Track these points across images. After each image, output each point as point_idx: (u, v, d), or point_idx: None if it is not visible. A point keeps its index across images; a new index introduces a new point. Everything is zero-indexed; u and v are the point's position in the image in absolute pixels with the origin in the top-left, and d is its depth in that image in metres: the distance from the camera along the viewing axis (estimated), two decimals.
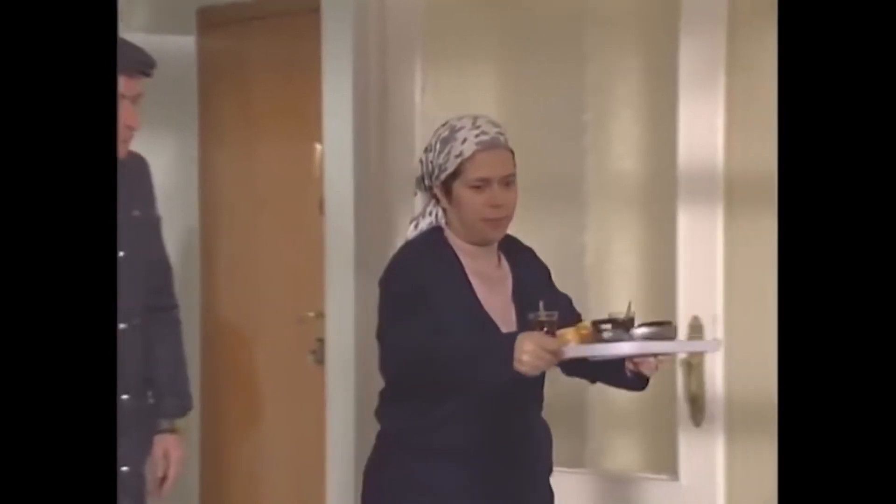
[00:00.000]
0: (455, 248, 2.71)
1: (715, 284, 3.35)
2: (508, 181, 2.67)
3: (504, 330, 2.71)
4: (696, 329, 3.29)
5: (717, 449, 3.38)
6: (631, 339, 2.53)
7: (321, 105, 4.11)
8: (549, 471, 2.85)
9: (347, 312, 3.80)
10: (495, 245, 2.75)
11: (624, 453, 3.57)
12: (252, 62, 4.63)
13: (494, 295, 2.75)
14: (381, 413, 2.72)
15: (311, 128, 4.27)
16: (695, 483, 3.35)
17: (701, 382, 3.35)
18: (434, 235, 2.73)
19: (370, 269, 3.73)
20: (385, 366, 2.66)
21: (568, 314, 2.77)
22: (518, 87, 3.58)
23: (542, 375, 2.76)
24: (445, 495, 2.64)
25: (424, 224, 2.73)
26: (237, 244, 4.69)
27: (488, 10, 3.66)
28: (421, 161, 2.73)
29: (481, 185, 2.63)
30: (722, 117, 3.27)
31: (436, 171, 2.67)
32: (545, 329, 2.54)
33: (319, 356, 4.05)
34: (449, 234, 2.73)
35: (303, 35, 4.26)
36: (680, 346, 2.85)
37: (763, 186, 3.33)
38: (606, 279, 3.53)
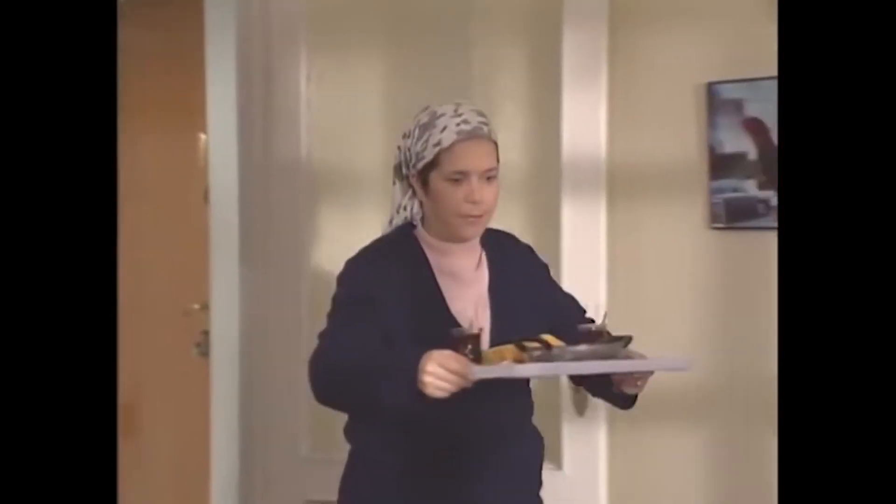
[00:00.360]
0: (425, 246, 2.57)
1: (598, 273, 3.40)
2: (490, 175, 2.51)
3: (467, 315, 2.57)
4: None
5: (600, 438, 3.45)
6: (567, 357, 2.32)
7: (205, 94, 4.07)
8: (536, 484, 2.68)
9: (232, 304, 3.77)
10: (476, 242, 2.59)
11: None
12: (133, 51, 4.57)
13: (466, 297, 2.58)
14: (347, 430, 2.59)
15: (194, 117, 4.22)
16: (578, 472, 3.41)
17: None
18: (402, 233, 2.59)
19: (255, 259, 3.72)
20: (308, 375, 2.49)
21: (571, 316, 2.65)
22: (403, 77, 3.60)
23: (526, 383, 2.66)
24: None
25: (399, 220, 2.60)
26: (121, 235, 4.63)
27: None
28: (399, 148, 2.57)
29: (460, 178, 2.46)
30: (604, 109, 3.35)
31: (413, 160, 2.52)
32: (468, 346, 2.36)
33: (204, 349, 4.00)
34: (420, 231, 2.58)
35: (185, 23, 4.21)
36: (627, 366, 2.41)
37: (643, 176, 3.44)
38: None
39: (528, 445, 2.64)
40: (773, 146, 3.20)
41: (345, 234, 3.69)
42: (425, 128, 2.48)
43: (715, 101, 3.18)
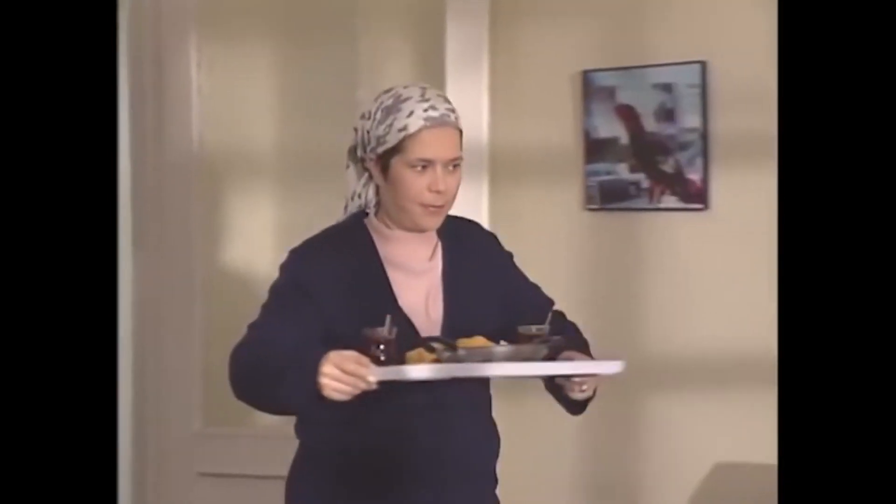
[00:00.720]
0: (376, 235, 2.44)
1: None
2: (454, 164, 2.39)
3: (424, 330, 2.42)
4: None
5: None
6: (474, 359, 2.23)
7: None
8: (490, 482, 2.52)
9: (125, 293, 3.78)
10: (432, 232, 2.46)
11: None
12: None
13: (417, 290, 2.46)
14: (296, 426, 2.46)
15: None
16: None
17: None
18: (351, 222, 2.46)
19: (147, 243, 3.75)
20: (228, 369, 2.41)
21: (532, 307, 2.52)
22: (293, 66, 3.67)
23: (485, 380, 2.54)
24: None
25: (353, 207, 2.47)
26: None
27: None
28: (356, 129, 2.43)
29: (424, 166, 2.34)
30: (486, 98, 3.45)
31: (373, 143, 2.38)
32: (378, 346, 2.25)
33: None
34: (372, 219, 2.45)
35: None
36: (530, 370, 2.31)
37: (523, 161, 3.54)
38: None
39: (483, 443, 2.51)
40: (644, 131, 3.33)
41: (237, 219, 3.76)
42: (389, 111, 2.35)
43: (589, 89, 3.30)
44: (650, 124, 3.31)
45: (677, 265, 3.45)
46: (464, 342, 2.28)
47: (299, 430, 2.43)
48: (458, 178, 2.40)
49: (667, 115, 3.29)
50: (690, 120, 3.25)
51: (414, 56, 3.60)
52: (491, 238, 2.60)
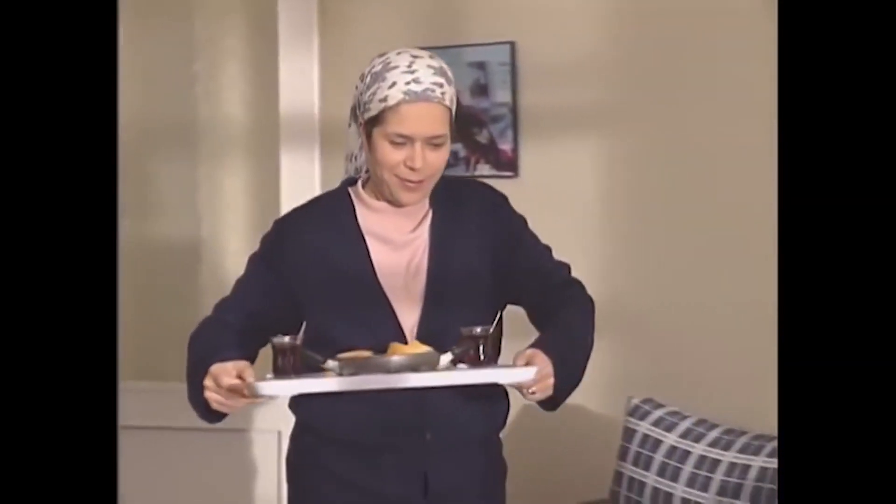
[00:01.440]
0: (359, 205, 2.28)
1: None
2: (436, 142, 2.19)
3: (402, 308, 2.24)
4: None
5: None
6: (378, 369, 2.03)
7: None
8: (485, 447, 2.33)
9: None
10: (424, 202, 2.27)
11: None
12: None
13: (399, 264, 2.28)
14: (291, 403, 2.31)
15: None
16: None
17: None
18: (337, 193, 2.32)
19: None
20: None
21: (538, 278, 2.31)
22: (130, 40, 3.70)
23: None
24: (348, 483, 2.24)
25: (350, 169, 2.34)
26: None
27: None
28: (356, 87, 2.26)
29: (402, 141, 2.17)
30: (317, 69, 3.58)
31: (361, 108, 2.23)
32: (290, 357, 2.05)
33: None
34: (359, 189, 2.29)
35: None
36: (414, 381, 2.05)
37: None
38: (219, 212, 3.74)
39: (484, 414, 2.32)
40: (461, 105, 3.45)
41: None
42: (375, 78, 2.19)
43: None
44: (466, 99, 3.42)
45: None
46: (397, 348, 2.10)
47: (294, 406, 2.31)
48: (440, 156, 2.21)
49: (481, 90, 3.43)
50: (501, 95, 3.39)
51: (248, 30, 3.70)
52: (496, 204, 2.37)
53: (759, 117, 3.00)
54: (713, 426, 2.94)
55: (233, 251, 3.64)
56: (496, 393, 2.28)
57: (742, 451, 2.86)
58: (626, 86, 3.28)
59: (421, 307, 2.23)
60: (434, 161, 2.19)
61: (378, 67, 2.18)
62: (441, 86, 2.17)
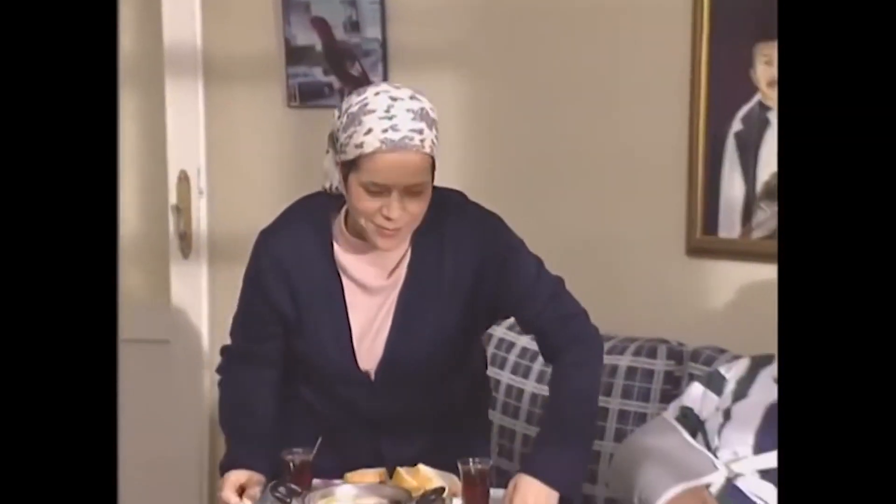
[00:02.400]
0: (339, 241, 2.21)
1: (198, 145, 3.76)
2: (415, 191, 2.07)
3: (364, 363, 2.25)
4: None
5: (202, 276, 3.84)
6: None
7: None
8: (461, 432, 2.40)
9: None
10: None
11: (123, 285, 3.98)
12: None
13: (369, 311, 2.24)
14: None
15: None
16: (184, 305, 3.80)
17: (188, 222, 3.77)
18: (320, 219, 2.22)
19: None
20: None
21: (528, 312, 2.26)
22: None
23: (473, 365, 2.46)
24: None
25: (329, 184, 2.23)
26: None
27: None
28: (335, 114, 2.15)
29: (378, 190, 2.05)
30: (199, 5, 3.67)
31: (338, 146, 2.10)
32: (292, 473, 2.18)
33: None
34: (340, 223, 2.20)
35: None
36: None
37: (234, 63, 3.79)
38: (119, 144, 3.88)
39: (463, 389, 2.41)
40: (335, 40, 3.56)
41: None
42: (352, 120, 2.05)
43: (288, 3, 3.56)
44: (340, 34, 3.53)
45: None
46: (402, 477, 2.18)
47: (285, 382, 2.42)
48: (420, 203, 2.08)
49: (353, 26, 3.52)
50: (372, 31, 3.49)
51: None
52: (487, 231, 2.23)
53: (639, 52, 3.12)
54: None
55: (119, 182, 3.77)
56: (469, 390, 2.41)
57: (609, 351, 2.97)
58: (491, 24, 3.38)
59: (380, 360, 2.23)
60: (413, 209, 2.07)
61: (355, 108, 2.05)
62: (420, 132, 2.04)
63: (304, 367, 2.32)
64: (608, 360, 2.91)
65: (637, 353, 2.97)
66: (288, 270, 2.21)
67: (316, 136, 3.52)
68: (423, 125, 2.05)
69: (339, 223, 2.19)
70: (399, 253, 2.19)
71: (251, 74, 3.79)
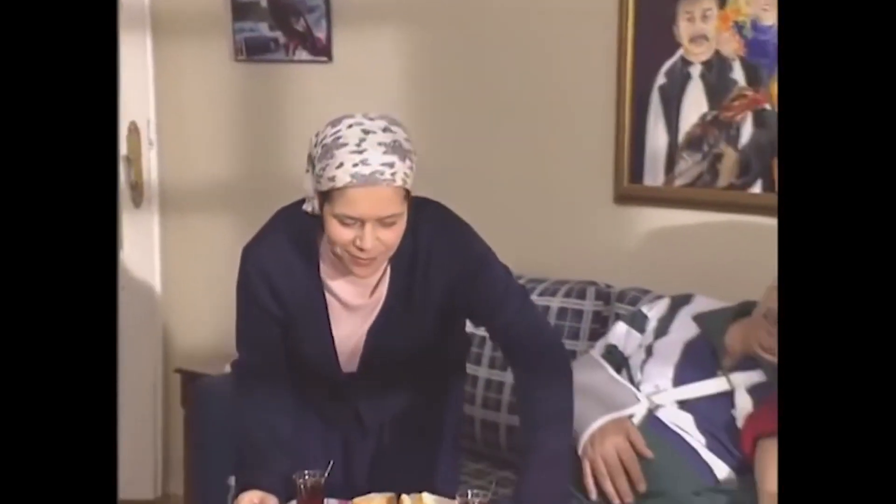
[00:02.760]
0: (324, 256, 2.23)
1: (148, 95, 3.84)
2: (388, 221, 2.07)
3: (347, 360, 2.31)
4: None
5: (154, 224, 3.95)
6: None
7: None
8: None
9: None
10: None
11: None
12: None
13: (353, 323, 2.29)
14: None
15: None
16: (137, 252, 3.89)
17: (139, 172, 3.86)
18: (306, 234, 2.22)
19: None
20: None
21: (495, 321, 2.27)
22: None
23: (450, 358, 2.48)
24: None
25: (309, 207, 2.18)
26: None
27: None
28: (310, 140, 2.13)
29: (352, 222, 2.06)
30: None
31: (314, 173, 2.10)
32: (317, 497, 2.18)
33: None
34: (326, 241, 2.18)
35: None
36: None
37: (182, 17, 3.86)
38: None
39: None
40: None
41: None
42: (325, 152, 2.04)
43: None
44: None
45: (307, 107, 3.70)
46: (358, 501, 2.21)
47: None
48: (393, 233, 2.09)
49: None
50: None
51: None
52: (460, 246, 2.25)
53: (570, 10, 3.16)
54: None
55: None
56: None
57: (541, 293, 3.07)
58: None
59: (358, 364, 2.30)
60: (387, 238, 2.08)
61: (329, 140, 2.04)
62: (392, 165, 2.01)
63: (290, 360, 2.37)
64: (541, 301, 3.03)
65: (567, 294, 3.05)
66: (276, 284, 2.22)
67: (261, 89, 3.81)
68: (394, 158, 2.02)
69: (325, 242, 2.18)
70: (378, 274, 2.21)
71: (199, 29, 3.85)
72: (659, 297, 2.83)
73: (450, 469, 2.54)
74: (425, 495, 2.19)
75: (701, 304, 2.74)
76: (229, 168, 3.92)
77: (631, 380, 2.60)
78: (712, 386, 2.53)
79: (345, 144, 2.01)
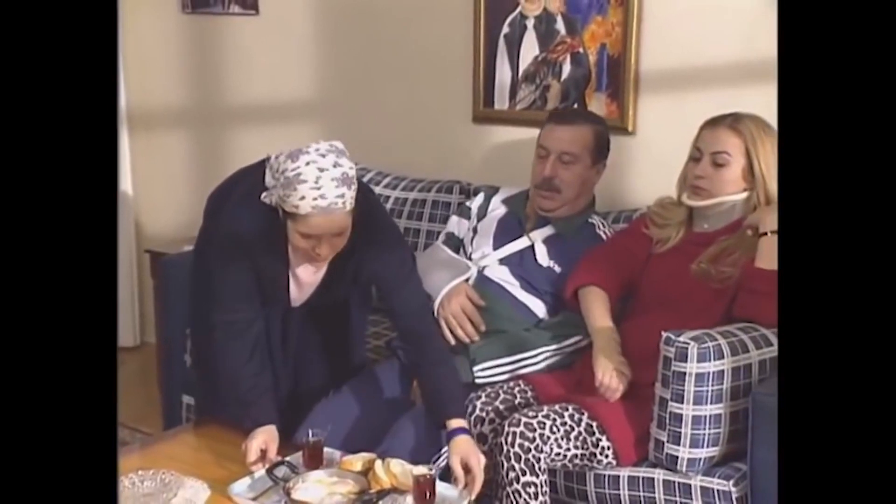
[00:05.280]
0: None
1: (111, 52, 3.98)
2: (338, 234, 2.30)
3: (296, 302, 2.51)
4: None
5: (125, 140, 4.20)
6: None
7: None
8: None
9: None
10: None
11: None
12: None
13: (305, 293, 2.54)
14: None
15: None
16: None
17: None
18: (276, 217, 2.35)
19: None
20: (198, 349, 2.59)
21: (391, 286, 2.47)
22: None
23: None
24: None
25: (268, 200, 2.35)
26: None
27: None
28: (270, 164, 2.31)
29: (310, 237, 2.29)
30: None
31: (277, 194, 2.27)
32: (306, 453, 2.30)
33: None
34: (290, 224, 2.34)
35: None
36: None
37: None
38: None
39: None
40: None
41: None
42: (288, 184, 2.20)
43: None
44: None
45: (239, 50, 3.94)
46: (347, 461, 2.29)
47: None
48: (343, 239, 2.29)
49: None
50: None
51: None
52: (380, 240, 2.45)
53: None
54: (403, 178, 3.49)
55: None
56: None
57: (420, 189, 3.32)
58: None
59: (307, 298, 2.54)
60: (337, 244, 2.30)
61: (290, 174, 2.18)
62: (342, 196, 2.19)
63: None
64: (419, 195, 3.34)
65: (439, 190, 3.40)
66: (254, 243, 2.40)
67: (204, 37, 4.10)
68: (344, 189, 2.20)
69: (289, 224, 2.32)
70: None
71: None
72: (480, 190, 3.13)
73: (360, 353, 2.91)
74: (392, 461, 2.26)
75: (505, 191, 3.09)
76: (180, 96, 4.18)
77: (466, 255, 2.93)
78: (519, 244, 2.88)
79: (305, 181, 2.17)
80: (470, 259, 2.91)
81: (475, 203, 3.07)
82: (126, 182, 4.23)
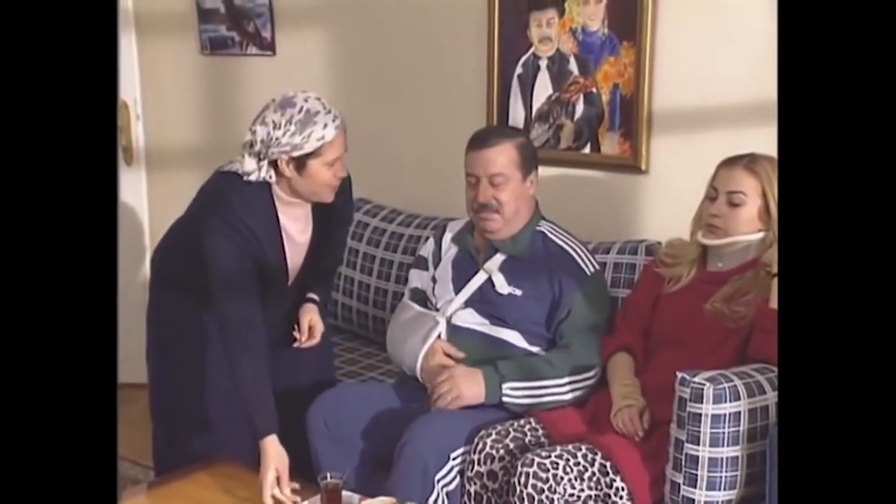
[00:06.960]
0: (277, 201, 2.54)
1: (134, 80, 4.01)
2: (347, 149, 2.54)
3: (292, 271, 2.63)
4: None
5: (142, 180, 4.23)
6: None
7: None
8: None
9: None
10: (308, 208, 2.61)
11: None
12: None
13: (297, 254, 2.64)
14: None
15: None
16: (129, 200, 4.08)
17: (129, 138, 4.09)
18: (262, 188, 2.51)
19: None
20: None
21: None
22: None
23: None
24: None
25: (254, 178, 2.52)
26: None
27: None
28: (253, 131, 2.46)
29: (334, 161, 2.49)
30: None
31: (285, 147, 2.43)
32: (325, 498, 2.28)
33: None
34: (276, 189, 2.53)
35: None
36: None
37: (161, 22, 4.06)
38: None
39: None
40: (234, 4, 3.81)
41: None
42: (304, 124, 2.41)
43: None
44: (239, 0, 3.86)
45: (257, 92, 3.61)
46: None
47: None
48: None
49: None
50: None
51: None
52: (346, 205, 2.75)
53: (455, 18, 3.35)
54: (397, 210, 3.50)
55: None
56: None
57: (417, 227, 3.32)
58: None
59: (300, 268, 2.66)
60: (344, 168, 2.53)
61: (300, 116, 2.41)
62: (338, 117, 2.48)
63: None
64: (416, 232, 3.35)
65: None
66: (254, 229, 2.52)
67: (221, 76, 4.07)
68: (336, 113, 2.47)
69: (276, 192, 2.52)
70: (309, 219, 2.63)
71: (172, 29, 4.09)
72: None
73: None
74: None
75: (454, 226, 2.97)
76: (197, 135, 4.15)
77: (434, 306, 2.84)
78: (477, 280, 2.81)
79: (318, 111, 2.41)
80: (437, 310, 2.84)
81: (428, 251, 3.01)
82: (143, 220, 4.20)
